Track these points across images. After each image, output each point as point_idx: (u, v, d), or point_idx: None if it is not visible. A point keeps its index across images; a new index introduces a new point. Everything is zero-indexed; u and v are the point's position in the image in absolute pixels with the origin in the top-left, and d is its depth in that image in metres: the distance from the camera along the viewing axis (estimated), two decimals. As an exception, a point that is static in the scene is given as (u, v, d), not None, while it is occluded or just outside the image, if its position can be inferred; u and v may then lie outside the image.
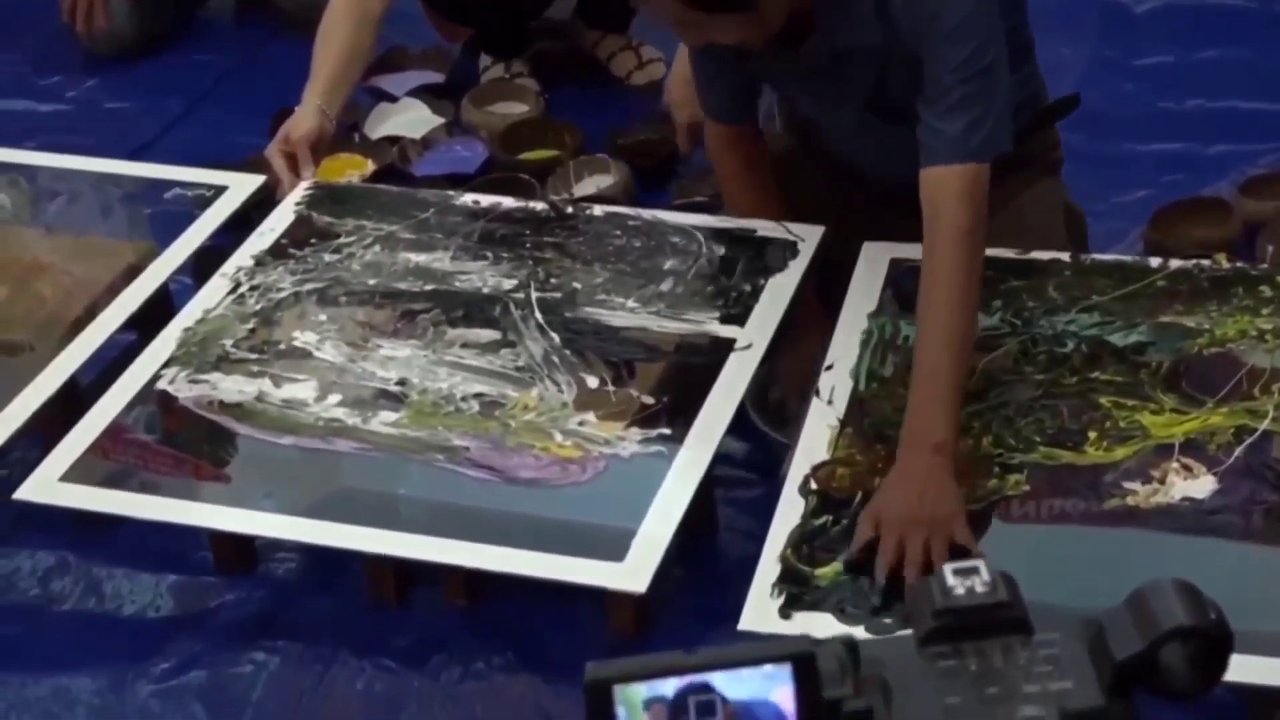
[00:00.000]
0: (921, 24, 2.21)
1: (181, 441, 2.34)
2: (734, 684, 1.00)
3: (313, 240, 2.67)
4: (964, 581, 1.06)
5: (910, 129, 2.30)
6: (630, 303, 2.46)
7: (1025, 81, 2.51)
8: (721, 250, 2.54)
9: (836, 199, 2.61)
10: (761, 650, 1.01)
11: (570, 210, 2.68)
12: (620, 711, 1.00)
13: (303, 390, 2.37)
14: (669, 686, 1.00)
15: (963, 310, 2.14)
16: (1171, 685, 1.03)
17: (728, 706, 1.00)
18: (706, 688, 1.00)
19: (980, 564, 1.07)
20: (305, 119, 2.90)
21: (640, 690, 1.00)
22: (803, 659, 1.01)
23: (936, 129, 2.23)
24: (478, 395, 2.33)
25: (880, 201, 2.55)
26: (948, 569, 1.07)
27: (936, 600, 1.06)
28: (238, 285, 2.58)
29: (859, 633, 1.91)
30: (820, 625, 1.92)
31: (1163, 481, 2.05)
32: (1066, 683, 1.02)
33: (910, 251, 2.45)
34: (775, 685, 1.00)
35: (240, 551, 2.33)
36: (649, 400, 2.29)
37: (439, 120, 3.36)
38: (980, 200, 2.21)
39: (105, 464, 2.30)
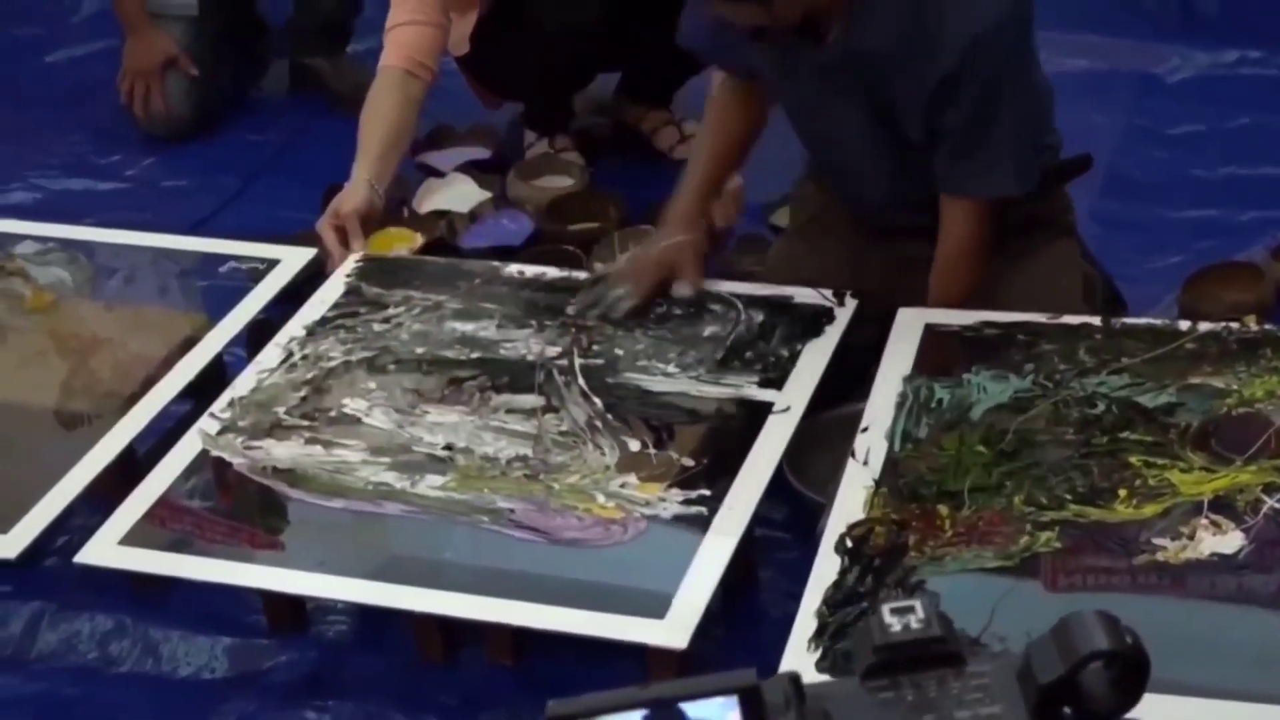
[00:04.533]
0: (956, 50, 2.33)
1: (235, 510, 2.40)
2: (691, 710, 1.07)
3: (362, 311, 2.74)
4: (901, 619, 1.14)
5: (913, 147, 2.44)
6: (670, 368, 2.52)
7: (1041, 143, 2.60)
8: (760, 316, 2.60)
9: (864, 256, 2.69)
10: (712, 684, 1.07)
11: (612, 280, 2.75)
12: None
13: (352, 455, 2.43)
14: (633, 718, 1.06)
15: (956, 285, 2.53)
16: (1093, 707, 1.09)
17: None
18: (672, 709, 1.06)
19: (917, 603, 1.14)
20: (354, 193, 2.98)
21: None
22: (749, 691, 1.07)
23: (953, 162, 2.42)
24: (522, 459, 2.39)
25: (906, 258, 2.62)
26: (886, 608, 1.14)
27: (875, 637, 1.13)
28: (290, 354, 2.65)
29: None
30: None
31: (1192, 537, 2.08)
32: (995, 708, 1.09)
33: (942, 317, 2.52)
34: (726, 715, 1.07)
35: (293, 613, 2.38)
36: (689, 462, 2.33)
37: (485, 194, 3.43)
38: (988, 226, 2.52)
39: (162, 531, 2.36)
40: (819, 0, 2.35)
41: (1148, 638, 1.91)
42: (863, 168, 2.61)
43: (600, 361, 2.54)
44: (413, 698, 2.28)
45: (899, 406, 2.36)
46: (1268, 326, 2.45)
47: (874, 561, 2.11)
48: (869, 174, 2.61)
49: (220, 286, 2.95)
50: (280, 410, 2.53)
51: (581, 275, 2.78)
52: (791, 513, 2.48)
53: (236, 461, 2.45)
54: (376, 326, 2.70)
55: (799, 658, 1.99)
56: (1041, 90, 2.58)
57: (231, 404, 2.55)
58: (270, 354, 2.66)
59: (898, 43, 2.38)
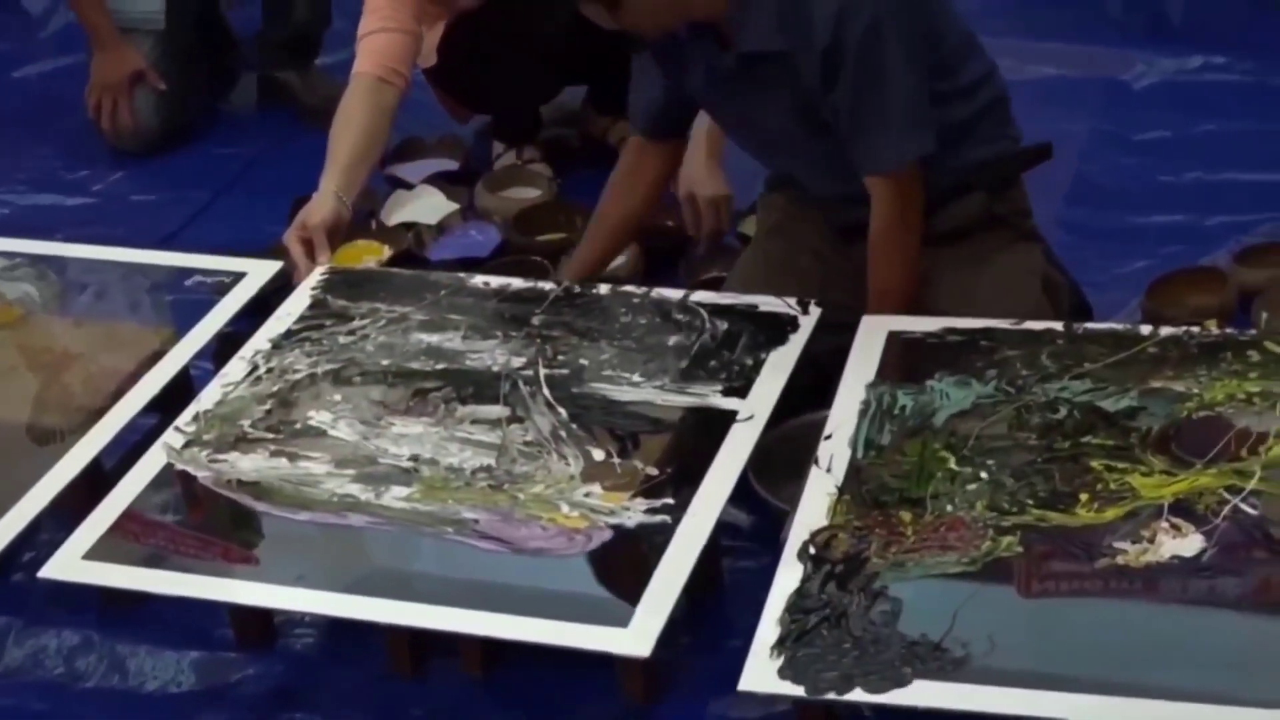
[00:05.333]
0: (836, 39, 2.41)
1: (205, 524, 2.40)
2: None
3: (328, 323, 2.74)
4: None
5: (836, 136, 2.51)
6: (635, 377, 2.52)
7: (996, 134, 2.66)
8: (724, 325, 2.61)
9: (829, 264, 2.72)
10: None
11: (577, 290, 2.75)
12: None
13: (317, 467, 2.43)
14: None
15: (901, 278, 2.58)
16: None
17: None
18: None
19: None
20: (321, 205, 2.98)
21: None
22: None
23: (855, 141, 2.51)
24: (486, 469, 2.39)
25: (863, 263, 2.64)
26: None
27: None
28: (255, 367, 2.65)
29: (858, 694, 1.96)
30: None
31: (1152, 541, 2.09)
32: None
33: (908, 324, 2.53)
34: None
35: (260, 627, 2.39)
36: (653, 471, 2.34)
37: (454, 206, 3.45)
38: (907, 197, 2.56)
39: (131, 545, 2.35)
40: (665, 16, 2.45)
41: (1120, 642, 1.96)
42: (802, 166, 2.67)
43: (565, 371, 2.55)
44: (383, 710, 2.28)
45: (862, 413, 2.37)
46: (1229, 330, 2.46)
47: (837, 568, 2.12)
48: (810, 171, 2.67)
49: (187, 300, 2.96)
50: (245, 423, 2.53)
51: (548, 286, 2.78)
52: (756, 520, 2.49)
53: (201, 475, 2.45)
54: (342, 339, 2.70)
55: (762, 665, 2.00)
56: (953, 45, 2.62)
57: (197, 417, 2.55)
58: (236, 367, 2.66)
59: (781, 36, 2.46)
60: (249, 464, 2.46)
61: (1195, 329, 2.45)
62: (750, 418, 2.41)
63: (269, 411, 2.55)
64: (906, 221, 2.58)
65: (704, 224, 3.15)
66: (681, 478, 2.32)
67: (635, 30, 2.50)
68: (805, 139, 2.60)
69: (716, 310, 2.65)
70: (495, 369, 2.58)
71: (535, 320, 2.68)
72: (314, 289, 2.83)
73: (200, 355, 2.79)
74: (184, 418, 2.55)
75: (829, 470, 2.27)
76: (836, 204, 2.70)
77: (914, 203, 2.58)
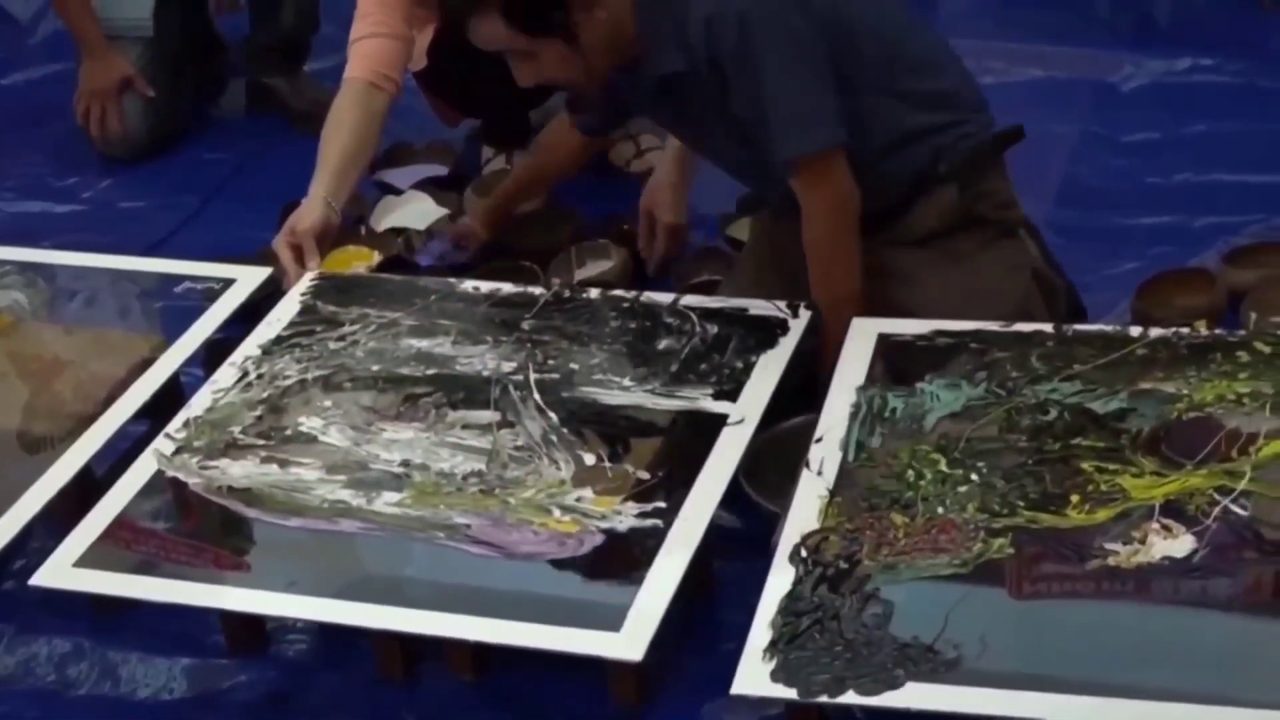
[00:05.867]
0: (713, 49, 2.44)
1: (196, 531, 2.39)
2: None
3: (318, 329, 2.74)
4: None
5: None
6: (626, 381, 2.52)
7: (954, 130, 2.65)
8: (714, 329, 2.61)
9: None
10: None
11: (567, 294, 2.75)
12: None
13: (308, 473, 2.43)
14: None
15: (846, 283, 2.57)
16: None
17: None
18: None
19: None
20: (311, 211, 2.98)
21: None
22: None
23: (765, 144, 2.51)
24: (477, 474, 2.39)
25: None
26: None
27: None
28: (245, 374, 2.65)
29: (850, 697, 1.96)
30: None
31: (1143, 542, 2.09)
32: None
33: (898, 327, 2.53)
34: None
35: (252, 633, 2.39)
36: (644, 475, 2.34)
37: (443, 211, 3.45)
38: (830, 196, 2.54)
39: (122, 552, 2.35)
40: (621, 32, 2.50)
41: (1111, 643, 1.96)
42: (751, 177, 2.68)
43: (556, 376, 2.55)
44: (374, 715, 2.28)
45: (853, 416, 2.37)
46: (1218, 331, 2.46)
47: (828, 571, 2.12)
48: (760, 182, 2.67)
49: (177, 307, 2.95)
50: (236, 429, 2.53)
51: (538, 290, 2.78)
52: (747, 523, 2.48)
53: (192, 481, 2.45)
54: (332, 344, 2.70)
55: (754, 668, 2.00)
56: (914, 52, 2.64)
57: (187, 424, 2.55)
58: (226, 373, 2.66)
59: (680, 56, 2.48)
60: (240, 470, 2.45)
61: (1185, 330, 2.45)
62: (741, 421, 2.41)
63: (259, 418, 2.55)
64: (835, 221, 2.55)
65: (657, 247, 3.17)
66: (673, 481, 2.32)
67: (592, 67, 2.54)
68: (745, 155, 2.61)
69: (706, 314, 2.65)
70: (486, 374, 2.58)
71: (525, 325, 2.68)
72: (304, 295, 2.83)
73: (190, 362, 2.79)
74: (174, 424, 2.55)
75: (820, 473, 2.28)
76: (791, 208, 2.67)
77: (840, 201, 2.55)
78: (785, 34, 2.45)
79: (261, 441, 2.51)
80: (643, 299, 2.72)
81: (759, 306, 2.63)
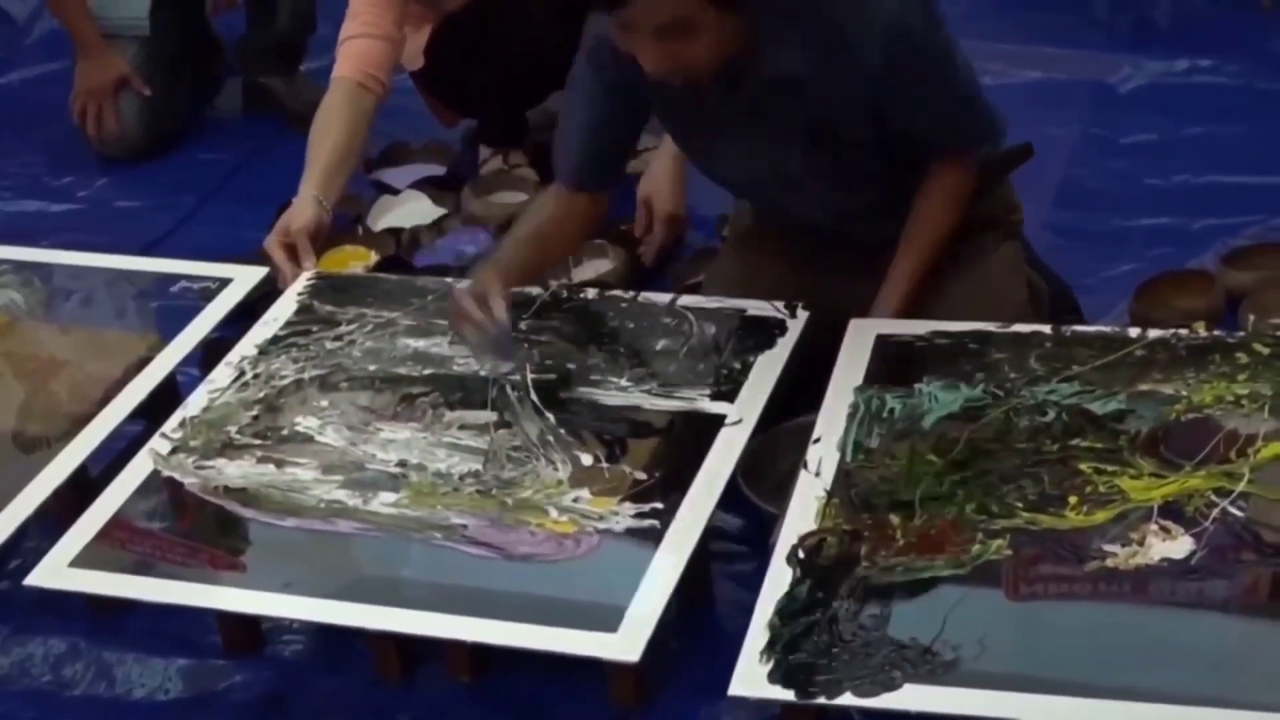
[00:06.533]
0: (877, 50, 2.36)
1: (192, 531, 2.39)
2: None
3: (315, 329, 2.74)
4: None
5: (853, 157, 2.47)
6: (623, 381, 2.52)
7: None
8: (712, 329, 2.60)
9: (804, 268, 2.69)
10: None
11: (565, 294, 2.75)
12: None
13: (305, 473, 2.43)
14: None
15: (943, 240, 2.56)
16: None
17: None
18: None
19: None
20: (302, 210, 2.98)
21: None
22: None
23: (934, 137, 2.51)
24: (474, 474, 2.39)
25: (846, 267, 2.64)
26: None
27: None
28: (242, 373, 2.64)
29: (848, 698, 1.96)
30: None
31: (1142, 544, 2.09)
32: None
33: (896, 327, 2.53)
34: None
35: (248, 634, 2.38)
36: (642, 476, 2.34)
37: (440, 211, 3.44)
38: (966, 182, 2.57)
39: (118, 552, 2.35)
40: (720, 51, 2.34)
41: (1109, 645, 1.96)
42: (802, 192, 2.60)
43: (553, 376, 2.54)
44: (371, 717, 2.28)
45: (851, 417, 2.36)
46: (1216, 332, 2.46)
47: (826, 572, 2.11)
48: (808, 196, 2.61)
49: (173, 306, 2.95)
50: (232, 429, 2.53)
51: (535, 291, 2.77)
52: (745, 524, 2.48)
53: (188, 481, 2.44)
54: (329, 344, 2.69)
55: (752, 669, 1.99)
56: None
57: (183, 424, 2.55)
58: (222, 373, 2.65)
59: (813, 60, 2.39)
60: (236, 470, 2.45)
61: (1183, 331, 2.45)
62: (739, 421, 2.41)
63: (256, 417, 2.55)
64: (957, 206, 2.57)
65: (654, 237, 3.17)
66: (670, 482, 2.31)
67: (679, 72, 2.35)
68: (813, 162, 2.53)
69: (704, 314, 2.64)
70: (483, 374, 2.57)
71: (523, 325, 2.67)
72: (301, 294, 2.83)
73: (186, 361, 2.78)
74: (170, 424, 2.55)
75: (818, 474, 2.27)
76: (821, 224, 2.67)
77: (969, 190, 2.58)
78: (947, 38, 2.46)
79: (258, 441, 2.50)
80: (640, 299, 2.72)
81: (757, 307, 2.63)
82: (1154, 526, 2.11)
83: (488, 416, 2.49)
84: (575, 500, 2.31)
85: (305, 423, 2.53)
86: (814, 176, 2.56)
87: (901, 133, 2.50)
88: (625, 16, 2.27)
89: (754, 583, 2.15)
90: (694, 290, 2.86)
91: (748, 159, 2.58)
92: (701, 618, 2.35)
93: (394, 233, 3.36)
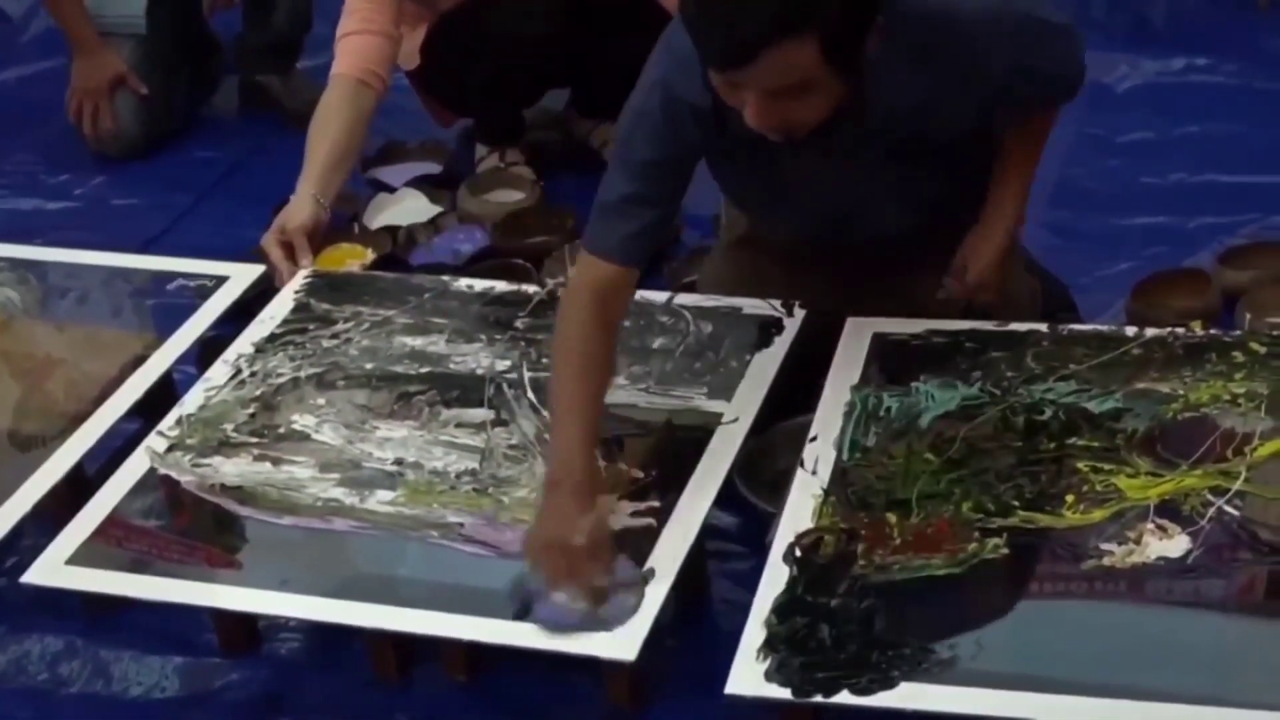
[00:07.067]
0: (998, 75, 2.32)
1: (189, 529, 2.39)
2: None
3: (311, 326, 2.74)
4: None
5: (937, 160, 2.44)
6: (620, 380, 2.51)
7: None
8: (709, 328, 2.60)
9: (798, 269, 2.68)
10: None
11: (561, 293, 2.74)
12: None
13: (301, 471, 2.43)
14: None
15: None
16: None
17: None
18: None
19: None
20: (300, 208, 2.98)
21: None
22: None
23: (1029, 102, 2.48)
24: (471, 473, 2.38)
25: (841, 267, 2.63)
26: None
27: None
28: (238, 371, 2.64)
29: (845, 697, 1.96)
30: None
31: (1138, 542, 2.09)
32: None
33: (893, 326, 2.53)
34: None
35: (245, 632, 2.38)
36: (638, 474, 2.33)
37: (436, 209, 3.44)
38: (1053, 124, 2.58)
39: (114, 550, 2.35)
40: (836, 100, 2.19)
41: (1106, 644, 1.96)
42: (877, 215, 2.53)
43: (550, 374, 2.53)
44: (367, 716, 2.28)
45: (847, 415, 2.37)
46: (1213, 331, 2.46)
47: (823, 571, 2.11)
48: (884, 218, 2.54)
49: (170, 305, 2.95)
50: (229, 427, 2.53)
51: (532, 289, 2.77)
52: (742, 523, 2.48)
53: (185, 479, 2.44)
54: (325, 342, 2.69)
55: (749, 668, 1.99)
56: None
57: (180, 421, 2.54)
58: (219, 371, 2.65)
59: (928, 84, 2.29)
60: (233, 468, 2.45)
61: (1180, 330, 2.45)
62: (735, 420, 2.40)
63: (253, 415, 2.55)
64: (1043, 143, 2.59)
65: None
66: (667, 481, 2.31)
67: (785, 130, 2.19)
68: (898, 184, 2.45)
69: (701, 313, 2.65)
70: (480, 372, 2.57)
71: (519, 323, 2.67)
72: (297, 292, 2.83)
73: (183, 359, 2.78)
74: (167, 422, 2.55)
75: (814, 473, 2.27)
76: (881, 243, 2.60)
77: (1051, 128, 2.59)
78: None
79: (254, 439, 2.51)
80: (637, 297, 2.71)
81: (753, 305, 2.63)
82: (1151, 525, 2.11)
83: (484, 415, 2.49)
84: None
85: (302, 421, 2.53)
86: (885, 199, 2.49)
87: (1000, 114, 2.47)
88: (739, 78, 2.13)
89: (751, 581, 2.15)
90: (690, 288, 2.86)
91: (814, 200, 2.48)
92: (698, 616, 2.35)
93: (390, 231, 3.36)
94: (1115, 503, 2.15)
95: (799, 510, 2.21)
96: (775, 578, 2.11)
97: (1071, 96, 2.52)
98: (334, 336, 2.70)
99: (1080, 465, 2.22)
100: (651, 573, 2.15)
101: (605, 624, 2.09)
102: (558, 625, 2.11)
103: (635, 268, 2.36)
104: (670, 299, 2.70)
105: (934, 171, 2.49)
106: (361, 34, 3.14)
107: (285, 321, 2.76)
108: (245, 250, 3.16)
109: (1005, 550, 2.11)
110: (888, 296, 2.57)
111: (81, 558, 2.32)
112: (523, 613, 2.12)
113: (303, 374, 2.62)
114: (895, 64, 2.23)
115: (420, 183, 3.55)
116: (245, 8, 4.06)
